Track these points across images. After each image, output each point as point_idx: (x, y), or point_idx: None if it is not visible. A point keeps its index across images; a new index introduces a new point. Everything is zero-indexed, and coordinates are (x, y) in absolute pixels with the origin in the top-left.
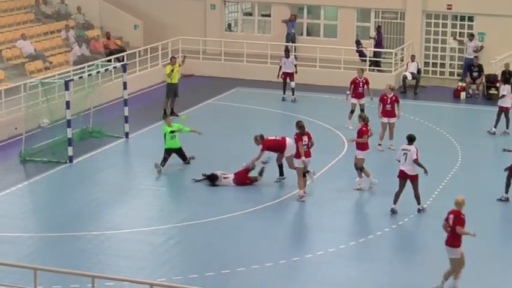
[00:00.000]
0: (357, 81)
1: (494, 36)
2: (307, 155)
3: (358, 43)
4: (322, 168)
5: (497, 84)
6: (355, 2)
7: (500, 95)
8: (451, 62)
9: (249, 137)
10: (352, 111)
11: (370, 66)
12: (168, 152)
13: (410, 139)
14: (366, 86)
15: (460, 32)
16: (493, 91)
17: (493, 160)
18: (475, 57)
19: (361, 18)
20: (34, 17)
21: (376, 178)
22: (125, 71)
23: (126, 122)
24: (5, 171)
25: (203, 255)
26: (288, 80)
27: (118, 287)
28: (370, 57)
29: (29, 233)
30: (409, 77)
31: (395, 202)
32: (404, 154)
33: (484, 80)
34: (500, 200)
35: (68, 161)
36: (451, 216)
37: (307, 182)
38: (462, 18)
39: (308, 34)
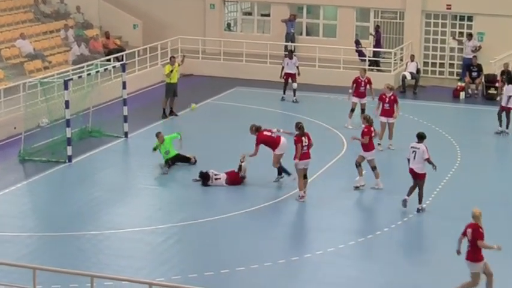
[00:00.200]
0: (359, 80)
1: (493, 36)
2: (307, 156)
3: (357, 43)
4: (321, 168)
5: (497, 84)
6: (354, 2)
7: (506, 96)
8: (451, 61)
9: (249, 136)
10: (352, 110)
11: (369, 66)
12: (167, 162)
13: (420, 137)
14: (368, 86)
15: (459, 32)
16: (492, 91)
17: (492, 160)
18: (474, 57)
19: (360, 18)
20: (33, 16)
21: (374, 178)
22: (124, 70)
23: (125, 121)
24: (4, 171)
25: (202, 255)
26: (289, 80)
27: (117, 287)
28: (369, 57)
29: (28, 232)
30: (409, 76)
31: (408, 194)
32: (413, 152)
33: (483, 80)
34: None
35: (67, 161)
36: (469, 230)
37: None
38: (461, 18)
39: (307, 34)
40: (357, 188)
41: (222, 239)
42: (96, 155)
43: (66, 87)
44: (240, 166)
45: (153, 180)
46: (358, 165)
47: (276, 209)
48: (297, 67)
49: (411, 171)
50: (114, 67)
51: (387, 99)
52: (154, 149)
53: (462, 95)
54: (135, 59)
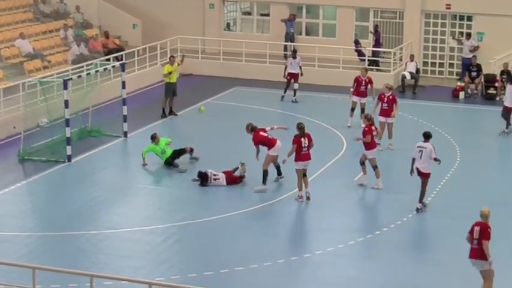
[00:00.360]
0: (360, 79)
1: (493, 35)
2: (307, 157)
3: (356, 43)
4: (321, 167)
5: (496, 84)
6: (354, 2)
7: (510, 96)
8: (450, 61)
9: (248, 136)
10: (352, 109)
11: (369, 65)
12: (168, 162)
13: (427, 136)
14: (369, 86)
15: (459, 32)
16: (491, 91)
17: (492, 159)
18: (474, 56)
19: (360, 18)
20: (33, 16)
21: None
22: (123, 70)
23: (125, 121)
24: (3, 171)
25: (202, 255)
26: (292, 80)
27: (116, 287)
28: (368, 56)
29: (28, 232)
30: (408, 76)
31: (421, 199)
32: (420, 151)
33: (482, 80)
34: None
35: (66, 160)
36: (477, 228)
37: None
38: (461, 18)
39: (307, 33)
40: (361, 185)
41: (221, 238)
42: (96, 154)
43: (65, 87)
44: (237, 168)
45: (152, 180)
46: (362, 163)
47: (275, 208)
48: (300, 67)
49: (417, 170)
50: (113, 67)
51: (386, 99)
52: (144, 154)
53: (462, 94)
54: (134, 59)
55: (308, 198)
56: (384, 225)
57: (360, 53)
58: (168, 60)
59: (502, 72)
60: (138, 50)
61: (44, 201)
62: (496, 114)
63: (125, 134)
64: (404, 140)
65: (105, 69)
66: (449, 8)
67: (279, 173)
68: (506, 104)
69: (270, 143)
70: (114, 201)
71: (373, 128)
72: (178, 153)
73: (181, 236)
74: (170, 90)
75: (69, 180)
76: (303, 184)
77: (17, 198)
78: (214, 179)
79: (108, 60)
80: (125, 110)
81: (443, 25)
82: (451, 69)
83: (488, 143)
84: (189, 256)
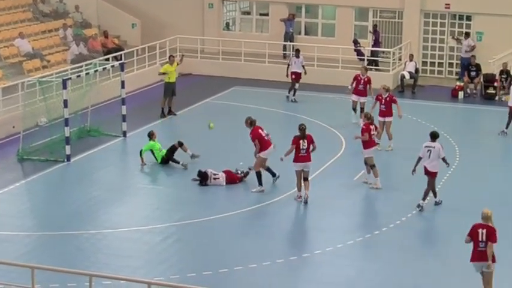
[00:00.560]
0: (359, 78)
1: (492, 35)
2: (306, 158)
3: (356, 42)
4: (320, 167)
5: (495, 84)
6: (353, 1)
7: None
8: (449, 61)
9: (247, 136)
10: (354, 109)
11: (368, 65)
12: (166, 160)
13: (434, 136)
14: (368, 85)
15: (458, 32)
16: (491, 90)
17: (491, 159)
18: (473, 56)
19: (359, 18)
20: (32, 15)
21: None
22: (122, 69)
23: (124, 120)
24: (2, 170)
25: (201, 254)
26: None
27: (115, 286)
28: (368, 56)
29: (27, 231)
30: (407, 76)
31: (435, 195)
32: (428, 151)
33: (482, 80)
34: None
35: (65, 160)
36: (484, 231)
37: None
38: (460, 18)
39: (306, 33)
40: (365, 182)
41: (220, 238)
42: (95, 154)
43: (64, 87)
44: (247, 173)
45: (151, 179)
46: (365, 162)
47: (274, 208)
48: (303, 66)
49: (425, 169)
50: (112, 66)
51: (383, 100)
52: (143, 153)
53: (461, 94)
54: (133, 58)
55: (305, 201)
56: (383, 225)
57: (359, 53)
58: (167, 59)
59: (501, 72)
60: (137, 50)
61: (43, 200)
62: (495, 114)
63: (124, 133)
64: (403, 139)
65: (104, 68)
66: (448, 8)
67: (273, 175)
68: (510, 104)
69: (264, 144)
70: (113, 201)
71: (371, 127)
72: (171, 151)
73: (181, 236)
74: (169, 90)
75: (68, 180)
76: (303, 186)
77: (16, 197)
78: (214, 178)
79: (107, 59)
80: (124, 110)
81: (442, 25)
82: (450, 69)
83: (488, 143)
84: (188, 256)
